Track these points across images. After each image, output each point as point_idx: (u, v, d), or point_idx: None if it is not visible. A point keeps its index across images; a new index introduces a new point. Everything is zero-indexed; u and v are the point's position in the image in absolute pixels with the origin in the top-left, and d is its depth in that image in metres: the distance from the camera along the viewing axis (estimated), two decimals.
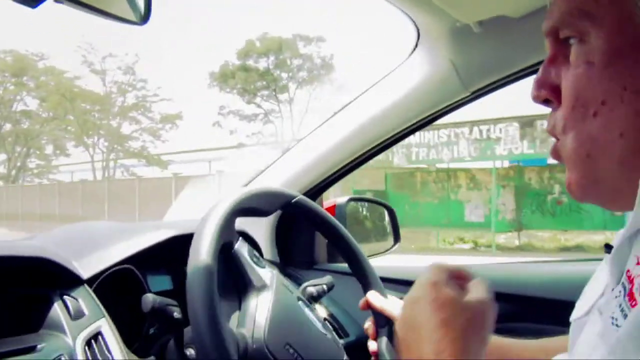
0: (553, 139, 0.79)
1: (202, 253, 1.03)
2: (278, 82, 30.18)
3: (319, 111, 28.74)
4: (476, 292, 0.80)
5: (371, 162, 1.82)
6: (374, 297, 1.29)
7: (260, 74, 29.58)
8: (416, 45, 1.53)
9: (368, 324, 1.29)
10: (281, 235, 1.83)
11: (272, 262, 1.77)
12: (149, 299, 1.06)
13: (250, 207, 1.19)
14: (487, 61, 1.48)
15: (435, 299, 0.78)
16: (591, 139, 0.72)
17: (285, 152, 1.76)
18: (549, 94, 0.77)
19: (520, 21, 1.38)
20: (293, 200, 1.28)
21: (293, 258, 1.85)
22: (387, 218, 2.03)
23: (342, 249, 1.35)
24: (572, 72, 0.73)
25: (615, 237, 0.94)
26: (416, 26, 1.46)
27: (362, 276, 1.35)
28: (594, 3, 0.71)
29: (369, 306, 1.28)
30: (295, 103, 30.62)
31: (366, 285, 1.34)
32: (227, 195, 1.14)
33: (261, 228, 1.79)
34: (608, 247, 0.85)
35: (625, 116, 0.69)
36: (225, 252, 1.12)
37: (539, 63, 1.41)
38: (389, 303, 1.27)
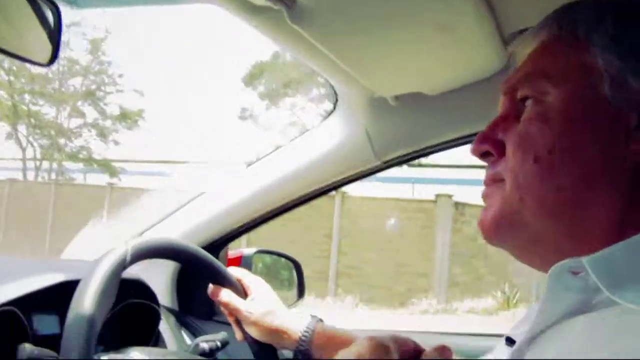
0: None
1: (83, 303, 0.99)
2: None
3: None
4: None
5: None
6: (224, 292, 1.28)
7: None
8: (334, 109, 1.54)
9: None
10: (182, 282, 1.79)
11: (169, 310, 1.72)
12: (25, 350, 1.02)
13: (153, 254, 1.16)
14: (401, 134, 1.50)
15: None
16: (527, 184, 0.73)
17: (191, 200, 1.73)
18: (491, 147, 0.79)
19: (435, 98, 1.40)
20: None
21: (192, 307, 1.80)
22: (294, 272, 2.02)
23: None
24: (524, 125, 0.76)
25: (514, 328, 0.96)
26: (335, 92, 1.47)
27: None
28: (559, 68, 0.74)
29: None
30: None
31: None
32: (119, 247, 1.10)
33: (162, 273, 1.75)
34: (509, 341, 0.86)
35: (568, 173, 0.71)
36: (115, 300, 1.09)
37: (452, 140, 1.47)
38: (239, 301, 1.27)
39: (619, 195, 0.70)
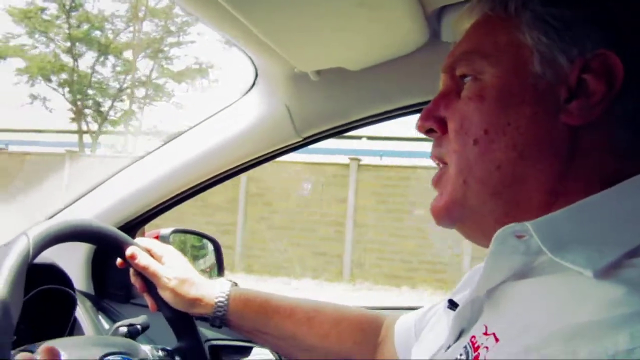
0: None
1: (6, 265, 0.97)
2: None
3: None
4: None
5: None
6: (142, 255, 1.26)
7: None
8: (253, 84, 1.51)
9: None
10: (97, 265, 1.73)
11: (85, 295, 1.66)
12: None
13: (56, 239, 1.10)
14: (322, 109, 1.49)
15: None
16: (469, 166, 0.77)
17: (105, 180, 1.66)
18: (434, 124, 0.82)
19: (357, 74, 1.39)
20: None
21: (109, 290, 1.75)
22: (212, 251, 1.99)
23: None
24: (463, 103, 0.79)
25: (456, 292, 0.98)
26: (255, 66, 1.43)
27: None
28: (493, 46, 0.78)
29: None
30: None
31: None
32: (29, 230, 1.05)
33: (76, 256, 1.69)
34: (451, 303, 0.89)
35: (505, 149, 0.74)
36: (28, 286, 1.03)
37: (373, 116, 1.47)
38: (158, 265, 1.26)
39: (554, 166, 0.74)
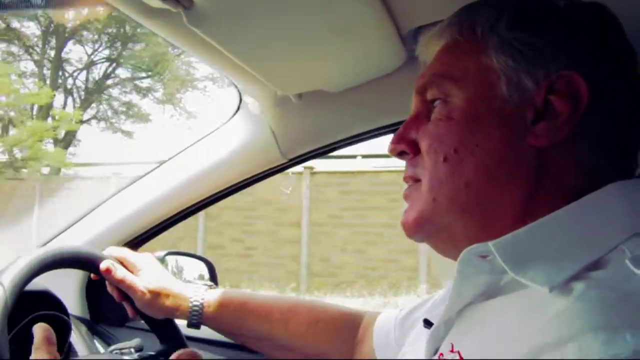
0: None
1: None
2: None
3: None
4: None
5: None
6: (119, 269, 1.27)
7: None
8: (238, 109, 1.54)
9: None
10: (91, 289, 1.74)
11: (80, 319, 1.68)
12: None
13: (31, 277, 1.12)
14: (305, 131, 1.52)
15: None
16: (439, 183, 0.78)
17: (96, 207, 1.69)
18: (406, 147, 0.84)
19: (337, 96, 1.42)
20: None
21: (104, 314, 1.77)
22: (206, 273, 2.01)
23: None
24: (432, 124, 0.81)
25: (431, 308, 1.03)
26: (238, 91, 1.47)
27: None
28: (461, 70, 0.79)
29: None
30: None
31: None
32: (22, 259, 1.07)
33: (70, 281, 1.70)
34: (427, 323, 0.92)
35: (474, 170, 0.76)
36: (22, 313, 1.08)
37: (356, 135, 1.50)
38: (134, 278, 1.28)
39: (521, 187, 0.75)
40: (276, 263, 12.80)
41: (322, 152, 1.56)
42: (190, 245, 12.98)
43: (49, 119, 17.80)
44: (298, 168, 12.51)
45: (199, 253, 12.83)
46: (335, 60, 1.26)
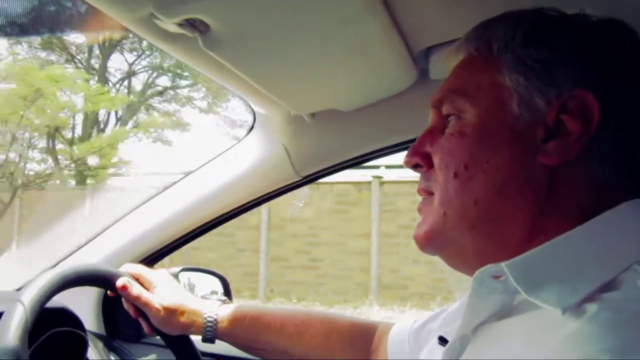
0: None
1: (8, 336, 1.01)
2: None
3: None
4: None
5: None
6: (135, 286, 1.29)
7: None
8: (252, 127, 1.57)
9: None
10: (108, 305, 1.76)
11: (96, 335, 1.69)
12: None
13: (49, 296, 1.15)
14: (318, 149, 1.54)
15: None
16: (450, 198, 0.79)
17: (112, 224, 1.71)
18: (420, 160, 0.85)
19: (350, 115, 1.44)
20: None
21: (120, 330, 1.78)
22: (220, 288, 2.02)
23: None
24: (445, 139, 0.81)
25: (443, 324, 1.04)
26: (252, 111, 1.50)
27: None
28: (475, 86, 0.80)
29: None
30: None
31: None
32: (22, 296, 1.09)
33: (86, 298, 1.72)
34: (442, 340, 0.93)
35: (484, 186, 0.77)
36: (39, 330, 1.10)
37: (369, 153, 1.52)
38: (149, 295, 1.29)
39: (531, 204, 0.76)
40: (344, 275, 12.67)
41: (336, 169, 1.57)
42: (251, 258, 12.98)
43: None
44: (367, 177, 12.57)
45: (261, 266, 12.95)
46: (348, 81, 1.28)
